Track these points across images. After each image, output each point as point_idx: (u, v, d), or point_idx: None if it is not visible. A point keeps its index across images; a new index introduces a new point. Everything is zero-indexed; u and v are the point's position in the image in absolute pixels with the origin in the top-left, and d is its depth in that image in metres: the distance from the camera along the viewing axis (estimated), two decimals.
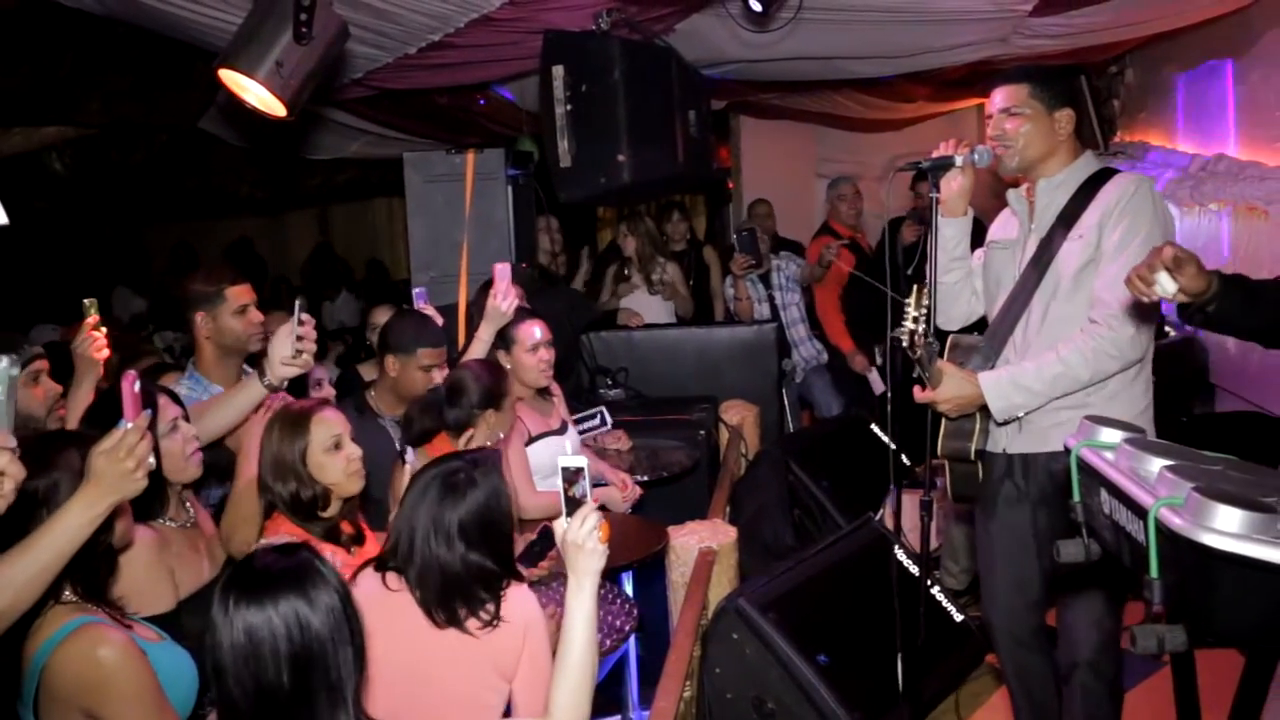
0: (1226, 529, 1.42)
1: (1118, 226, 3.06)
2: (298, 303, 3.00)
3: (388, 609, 2.41)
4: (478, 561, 2.46)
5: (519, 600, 2.52)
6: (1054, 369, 3.05)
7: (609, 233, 9.84)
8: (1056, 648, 3.36)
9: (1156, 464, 1.65)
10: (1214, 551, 1.42)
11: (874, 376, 6.72)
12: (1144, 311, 3.00)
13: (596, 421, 4.97)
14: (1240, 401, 5.29)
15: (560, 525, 2.22)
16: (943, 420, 3.26)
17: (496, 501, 2.53)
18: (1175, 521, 1.47)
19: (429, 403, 3.68)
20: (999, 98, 3.25)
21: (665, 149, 4.81)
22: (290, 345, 2.94)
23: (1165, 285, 2.28)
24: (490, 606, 2.45)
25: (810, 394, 6.88)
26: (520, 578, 2.58)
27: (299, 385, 4.10)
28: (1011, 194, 3.42)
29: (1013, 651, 3.43)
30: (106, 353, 3.46)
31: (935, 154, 3.28)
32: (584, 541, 2.15)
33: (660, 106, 4.78)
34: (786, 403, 6.59)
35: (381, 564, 2.53)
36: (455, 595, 2.44)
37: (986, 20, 4.78)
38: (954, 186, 3.34)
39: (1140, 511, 1.58)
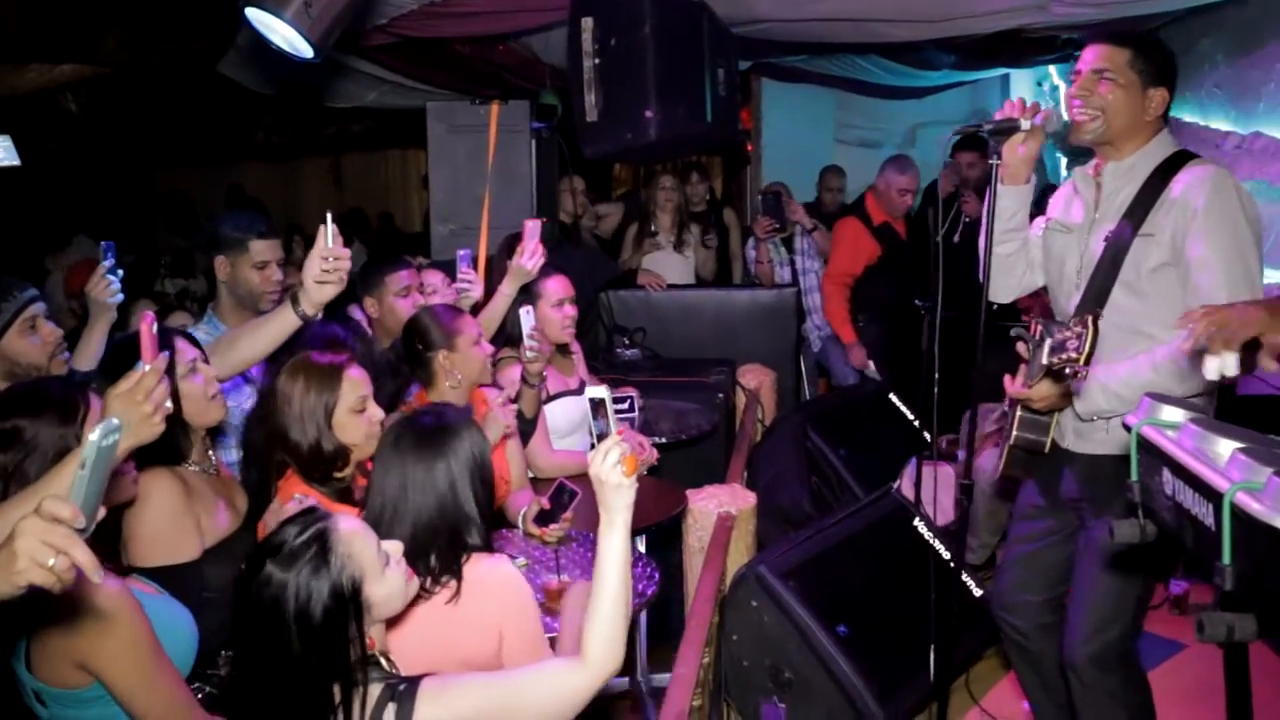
0: None
1: (1203, 233, 2.80)
2: (328, 218, 2.82)
3: None
4: (456, 510, 2.41)
5: (488, 578, 2.43)
6: (1145, 376, 2.82)
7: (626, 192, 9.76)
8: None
9: (1227, 446, 1.58)
10: None
11: (873, 369, 6.44)
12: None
13: (625, 407, 4.82)
14: (1263, 385, 5.22)
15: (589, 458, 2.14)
16: (1018, 410, 3.10)
17: (473, 446, 2.48)
18: (1255, 507, 1.40)
19: (387, 362, 3.63)
20: (1094, 57, 2.98)
21: (693, 106, 4.72)
22: (318, 264, 2.78)
23: (1227, 364, 2.09)
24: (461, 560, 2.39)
25: (828, 361, 6.81)
26: (487, 543, 2.50)
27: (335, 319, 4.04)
28: (1078, 173, 3.18)
29: (1017, 645, 3.40)
30: (120, 296, 3.41)
31: (999, 115, 3.03)
32: (606, 476, 2.04)
33: (690, 63, 4.69)
34: (804, 369, 6.54)
35: None
36: (431, 548, 2.38)
37: None
38: (1021, 152, 3.07)
39: (1212, 494, 1.51)
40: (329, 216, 2.81)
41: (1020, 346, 2.98)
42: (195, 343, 2.83)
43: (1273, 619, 1.47)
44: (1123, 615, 3.04)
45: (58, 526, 1.53)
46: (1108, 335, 2.88)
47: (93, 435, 1.58)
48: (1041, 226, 3.29)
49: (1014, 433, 3.13)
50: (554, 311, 4.14)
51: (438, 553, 2.38)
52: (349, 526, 1.97)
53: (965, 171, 6.60)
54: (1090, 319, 2.59)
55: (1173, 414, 1.79)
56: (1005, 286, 3.34)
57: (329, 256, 2.78)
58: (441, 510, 2.41)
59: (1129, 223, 2.94)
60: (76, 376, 3.10)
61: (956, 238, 6.23)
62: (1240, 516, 1.44)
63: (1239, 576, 1.46)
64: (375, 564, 1.97)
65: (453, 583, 2.37)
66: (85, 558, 1.54)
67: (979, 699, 4.03)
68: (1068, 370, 2.53)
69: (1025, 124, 2.98)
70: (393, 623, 2.22)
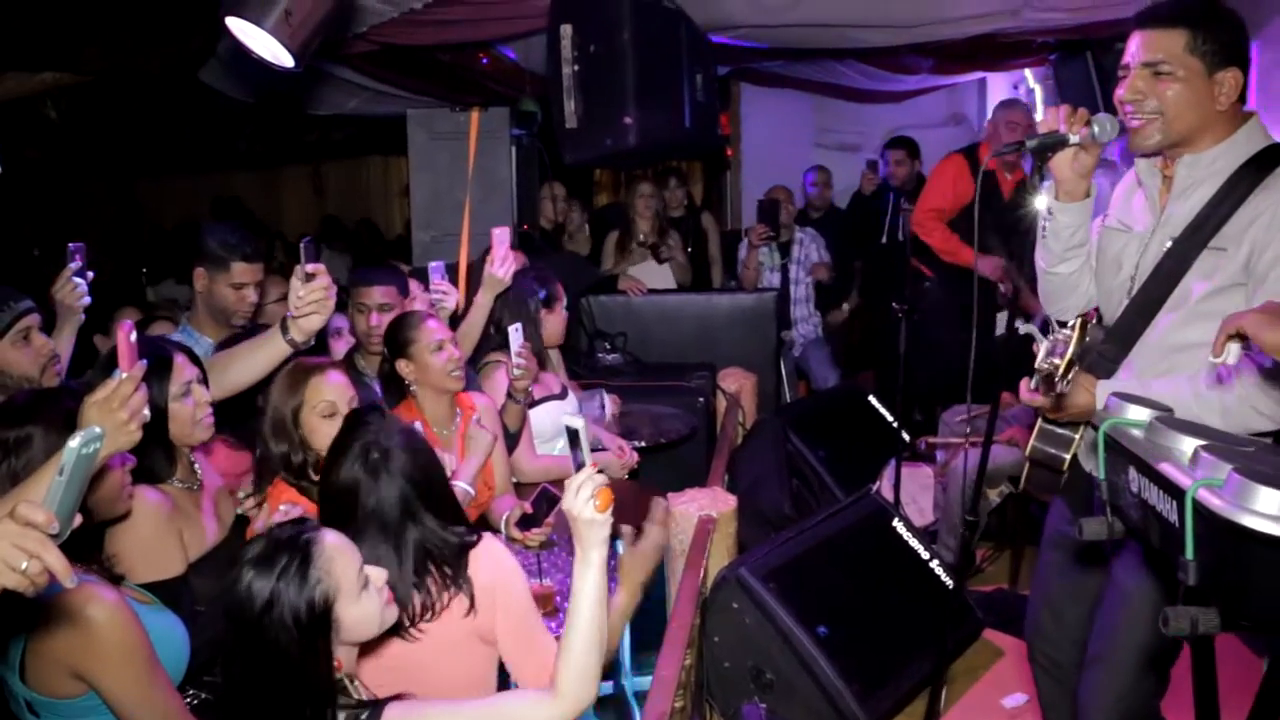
0: (1268, 511, 1.40)
1: None
2: (302, 246, 2.73)
3: None
4: (433, 529, 2.34)
5: (478, 560, 2.39)
6: (1183, 400, 2.37)
7: (606, 197, 9.79)
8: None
9: (1190, 443, 1.62)
10: (1255, 534, 1.39)
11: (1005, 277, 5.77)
12: None
13: (595, 404, 4.84)
14: None
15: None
16: (1039, 420, 2.77)
17: (423, 457, 2.41)
18: (1215, 503, 1.44)
19: (387, 374, 3.65)
20: (1142, 46, 2.47)
21: (672, 112, 4.75)
22: (295, 300, 2.72)
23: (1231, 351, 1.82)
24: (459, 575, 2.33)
25: (808, 365, 6.86)
26: (475, 535, 2.44)
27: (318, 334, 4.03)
28: (1142, 164, 2.68)
29: (1052, 678, 3.07)
30: (88, 299, 3.40)
31: (1043, 128, 2.56)
32: (579, 511, 1.99)
33: (668, 69, 4.72)
34: (784, 373, 6.58)
35: None
36: (424, 575, 2.31)
37: None
38: (1075, 166, 2.60)
39: (1175, 491, 1.55)
40: (303, 245, 2.74)
41: (1036, 346, 2.47)
42: (197, 361, 2.76)
43: (1235, 611, 1.51)
44: (1151, 676, 2.63)
45: (31, 531, 1.53)
46: (1148, 354, 2.60)
47: (73, 442, 1.57)
48: (1100, 229, 2.84)
49: (1030, 444, 2.82)
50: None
51: (426, 571, 2.32)
52: (333, 542, 1.95)
53: (893, 168, 6.95)
54: (1080, 322, 2.40)
55: (1139, 413, 1.83)
56: (1070, 305, 2.91)
57: (302, 294, 2.72)
58: (400, 529, 2.34)
59: (1198, 230, 2.49)
60: (71, 386, 3.09)
61: (885, 239, 6.31)
62: (1202, 512, 1.48)
63: (1202, 570, 1.50)
64: (353, 584, 1.94)
65: (461, 596, 2.31)
66: (58, 562, 1.54)
67: (957, 698, 4.06)
68: (1055, 379, 2.28)
69: (1073, 138, 2.54)
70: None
